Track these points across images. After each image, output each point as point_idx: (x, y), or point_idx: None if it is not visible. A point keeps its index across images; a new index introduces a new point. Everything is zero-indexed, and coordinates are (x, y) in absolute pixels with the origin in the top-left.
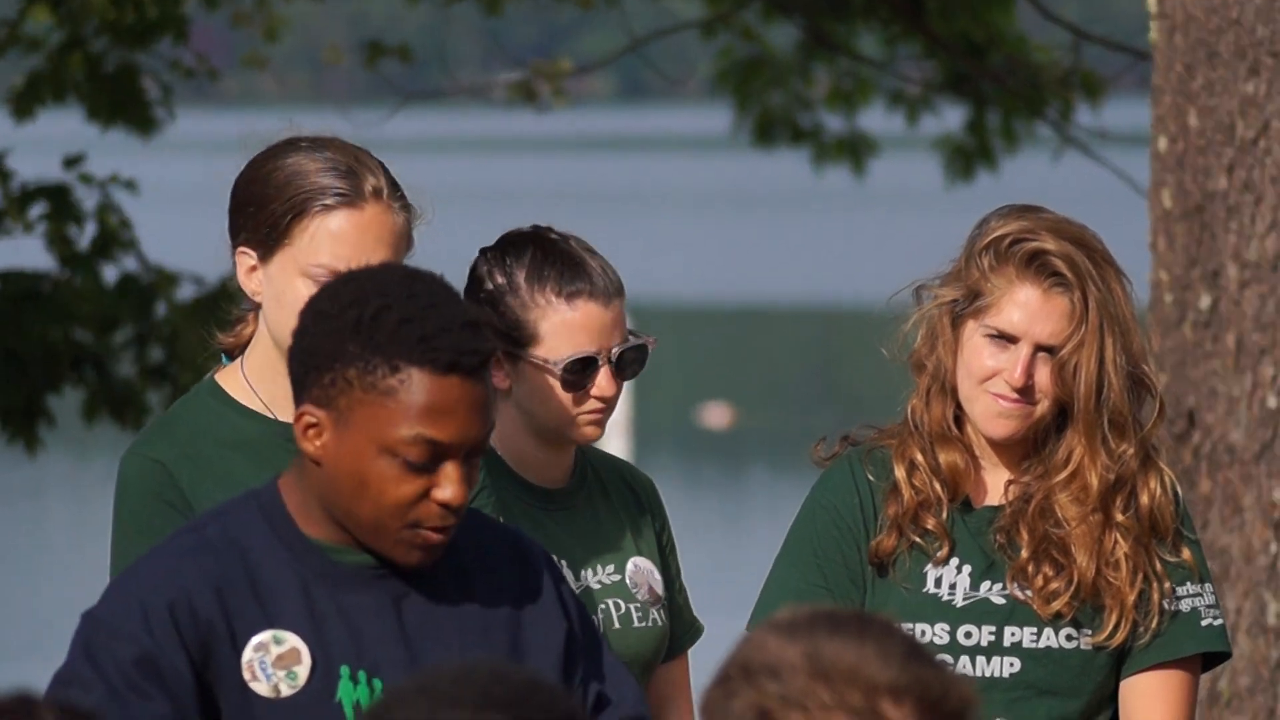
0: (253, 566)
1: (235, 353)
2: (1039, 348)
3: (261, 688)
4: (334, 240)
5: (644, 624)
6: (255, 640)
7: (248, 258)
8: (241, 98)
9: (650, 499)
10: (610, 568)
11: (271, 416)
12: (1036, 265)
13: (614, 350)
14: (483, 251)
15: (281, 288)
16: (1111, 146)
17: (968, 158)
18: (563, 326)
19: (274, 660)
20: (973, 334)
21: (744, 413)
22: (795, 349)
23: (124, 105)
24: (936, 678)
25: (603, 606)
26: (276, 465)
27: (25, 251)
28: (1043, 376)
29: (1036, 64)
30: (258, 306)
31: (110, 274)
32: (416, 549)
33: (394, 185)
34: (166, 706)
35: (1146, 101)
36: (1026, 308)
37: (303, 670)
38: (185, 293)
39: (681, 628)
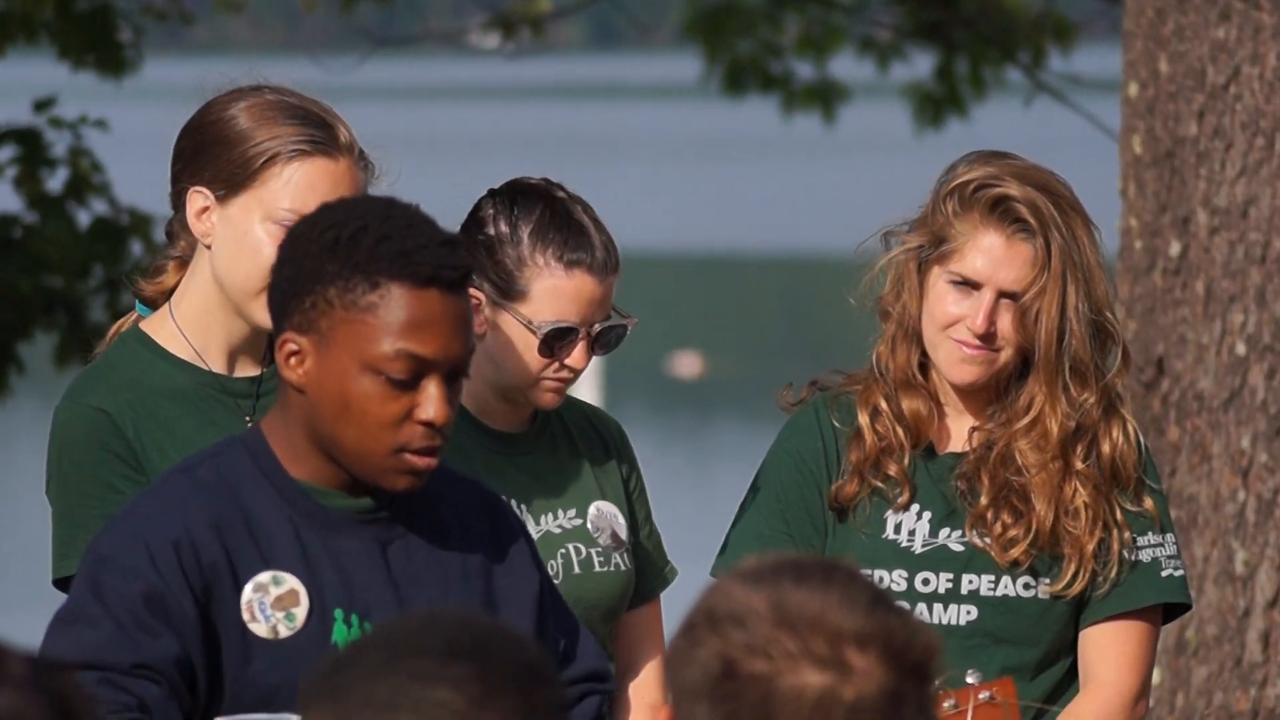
0: (246, 508)
1: (156, 302)
2: (1002, 294)
3: (260, 629)
4: (307, 188)
5: (605, 568)
6: (255, 580)
7: (201, 197)
8: (214, 44)
9: (617, 442)
10: (571, 512)
11: (203, 366)
12: (1000, 211)
13: (596, 326)
14: (490, 193)
15: (242, 230)
16: (1082, 92)
17: (937, 105)
18: (554, 291)
19: (273, 601)
20: (937, 280)
21: (714, 362)
22: (765, 297)
23: (95, 45)
24: (902, 626)
25: (562, 551)
26: (211, 416)
27: None
28: (1005, 323)
29: (1008, 10)
30: (184, 255)
31: (83, 219)
32: (403, 474)
33: (359, 146)
34: (174, 643)
35: (1117, 47)
36: (990, 254)
37: (301, 612)
38: (159, 235)
39: (651, 572)
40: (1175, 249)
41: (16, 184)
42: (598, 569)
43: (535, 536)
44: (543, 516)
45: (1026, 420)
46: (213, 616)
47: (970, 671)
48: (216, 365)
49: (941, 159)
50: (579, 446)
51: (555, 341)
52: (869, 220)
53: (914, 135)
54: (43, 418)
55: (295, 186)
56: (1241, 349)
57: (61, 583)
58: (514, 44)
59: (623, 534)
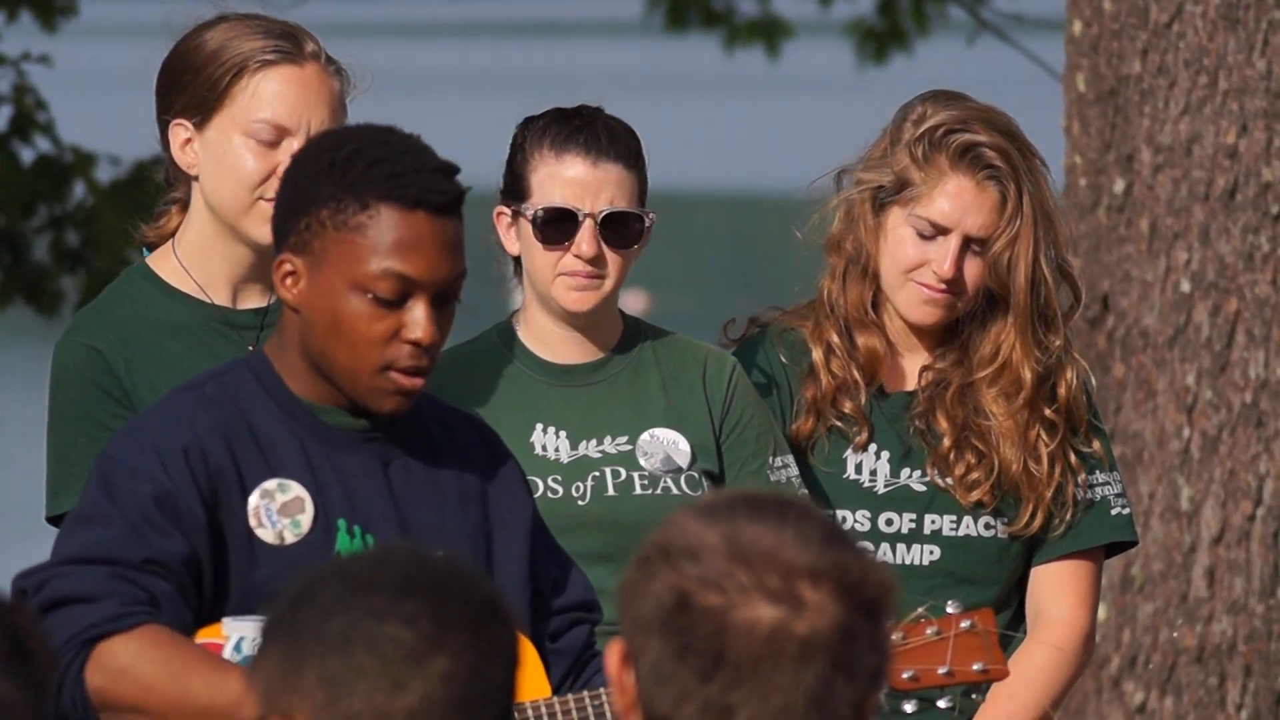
0: (252, 421)
1: (158, 246)
2: (967, 239)
3: (266, 534)
4: (275, 96)
5: (650, 491)
6: (262, 487)
7: (183, 129)
8: None
9: (713, 378)
10: (623, 439)
11: (206, 300)
12: (970, 157)
13: (600, 211)
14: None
15: (221, 149)
16: (1026, 31)
17: (880, 40)
18: (548, 178)
19: (279, 507)
20: (899, 223)
21: (659, 298)
22: (710, 234)
23: None
24: (855, 561)
25: (595, 474)
26: (212, 349)
27: None
28: (971, 268)
29: None
30: (184, 198)
31: (26, 156)
32: (390, 395)
33: (327, 53)
34: (183, 543)
35: None
36: (959, 199)
37: (306, 519)
38: (103, 174)
39: None
40: (1119, 186)
41: None
42: (639, 491)
43: (567, 461)
44: (584, 443)
45: (994, 368)
46: (220, 521)
47: (951, 601)
48: (220, 298)
49: (884, 97)
50: (660, 378)
51: (551, 226)
52: (813, 156)
53: (856, 72)
54: None
55: (263, 96)
56: (1186, 286)
57: (55, 520)
58: None
59: (680, 460)
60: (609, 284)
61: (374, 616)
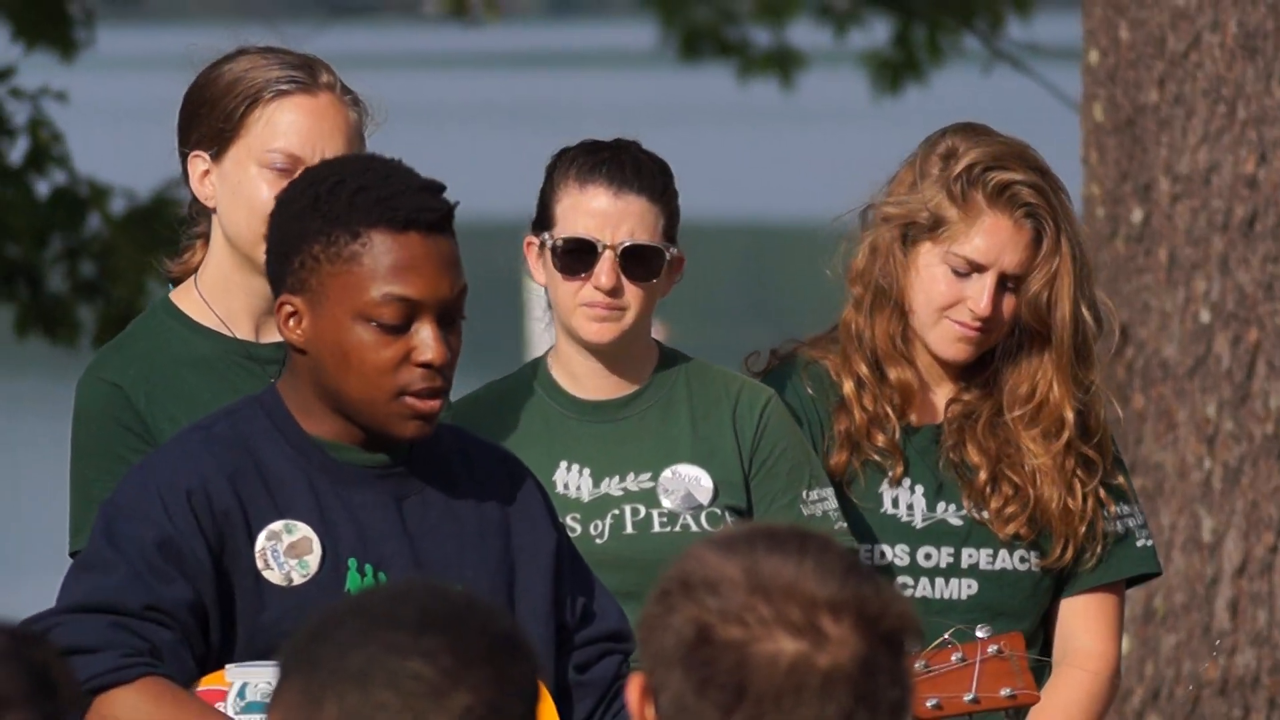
0: (261, 461)
1: (183, 280)
2: (1002, 276)
3: (273, 575)
4: (289, 126)
5: (668, 529)
6: (268, 528)
7: (200, 161)
8: (165, 13)
9: (745, 411)
10: (646, 475)
11: (228, 334)
12: (1008, 195)
13: (620, 243)
14: None
15: (237, 180)
16: (1041, 60)
17: (895, 71)
18: (571, 208)
19: (286, 549)
20: (932, 260)
21: (675, 329)
22: (725, 265)
23: (48, 25)
24: (875, 594)
25: (614, 512)
26: (234, 383)
27: None
28: (1005, 305)
29: None
30: (207, 233)
31: (42, 189)
32: (409, 419)
33: (344, 84)
34: (187, 589)
35: (1077, 15)
36: (995, 236)
37: (313, 559)
38: (118, 207)
39: None
40: (1138, 216)
41: None
42: (657, 529)
43: (588, 500)
44: (606, 480)
45: (1031, 406)
46: (226, 564)
47: (980, 626)
48: (242, 332)
49: (899, 127)
50: (691, 413)
51: (571, 256)
52: (828, 186)
53: (871, 102)
54: (5, 388)
55: (277, 125)
56: (1205, 316)
57: (77, 556)
58: (467, 19)
59: (702, 497)
60: (630, 316)
61: (393, 652)
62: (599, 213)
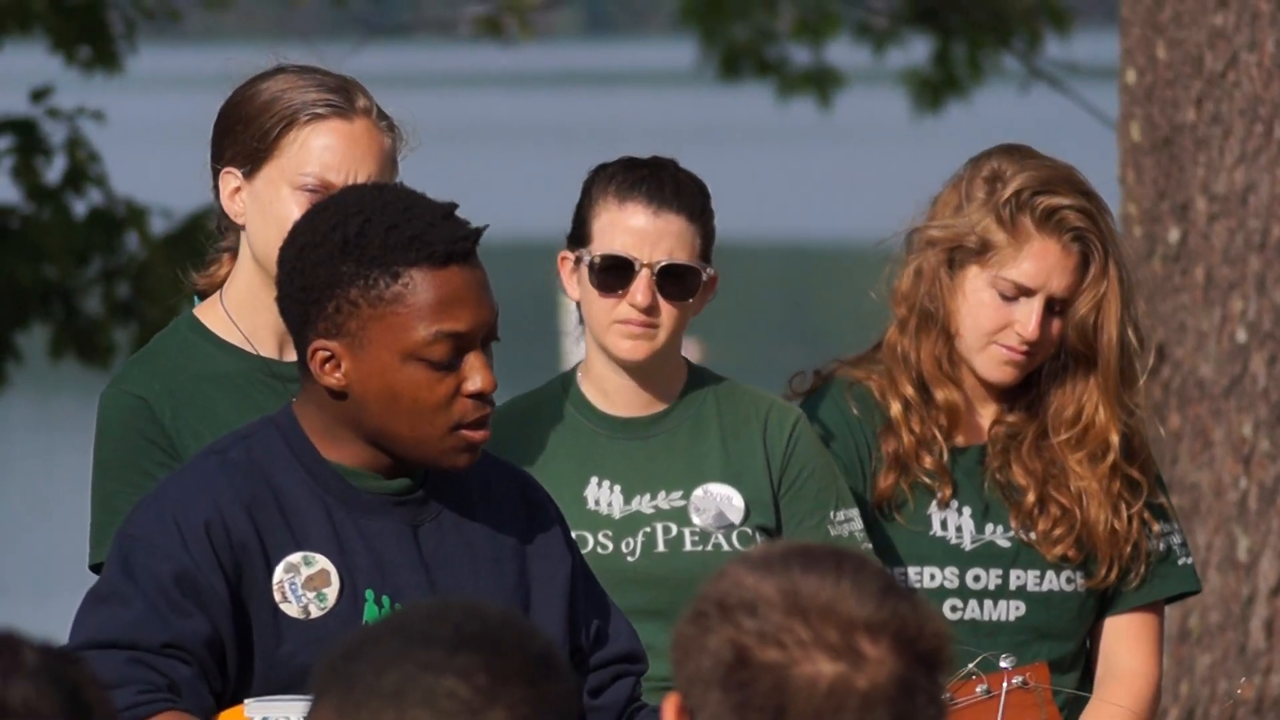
0: (278, 488)
1: (208, 294)
2: (1049, 300)
3: (291, 609)
4: (324, 150)
5: (700, 548)
6: (286, 561)
7: (232, 178)
8: (205, 33)
9: (774, 431)
10: (677, 494)
11: (252, 351)
12: (1056, 220)
13: (658, 262)
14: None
15: (268, 201)
16: (1079, 79)
17: (934, 90)
18: (609, 225)
19: (304, 581)
20: (980, 285)
21: (713, 348)
22: (764, 284)
23: (88, 39)
24: (913, 614)
25: (646, 529)
26: (256, 400)
27: None
28: (1052, 328)
29: None
30: (233, 247)
31: (79, 209)
32: (463, 451)
33: (380, 109)
34: (205, 624)
35: (1114, 34)
36: (1044, 260)
37: (331, 592)
38: (155, 227)
39: None
40: (1174, 236)
41: (14, 174)
42: (689, 548)
43: (619, 517)
44: (636, 497)
45: (1077, 429)
46: (244, 597)
47: (1004, 656)
48: (266, 349)
49: (938, 146)
50: (721, 431)
51: (608, 273)
52: (867, 206)
53: (912, 120)
54: (39, 410)
55: (311, 149)
56: (1242, 336)
57: (98, 569)
58: (503, 39)
59: (733, 516)
60: (663, 335)
61: (429, 670)
62: (637, 230)
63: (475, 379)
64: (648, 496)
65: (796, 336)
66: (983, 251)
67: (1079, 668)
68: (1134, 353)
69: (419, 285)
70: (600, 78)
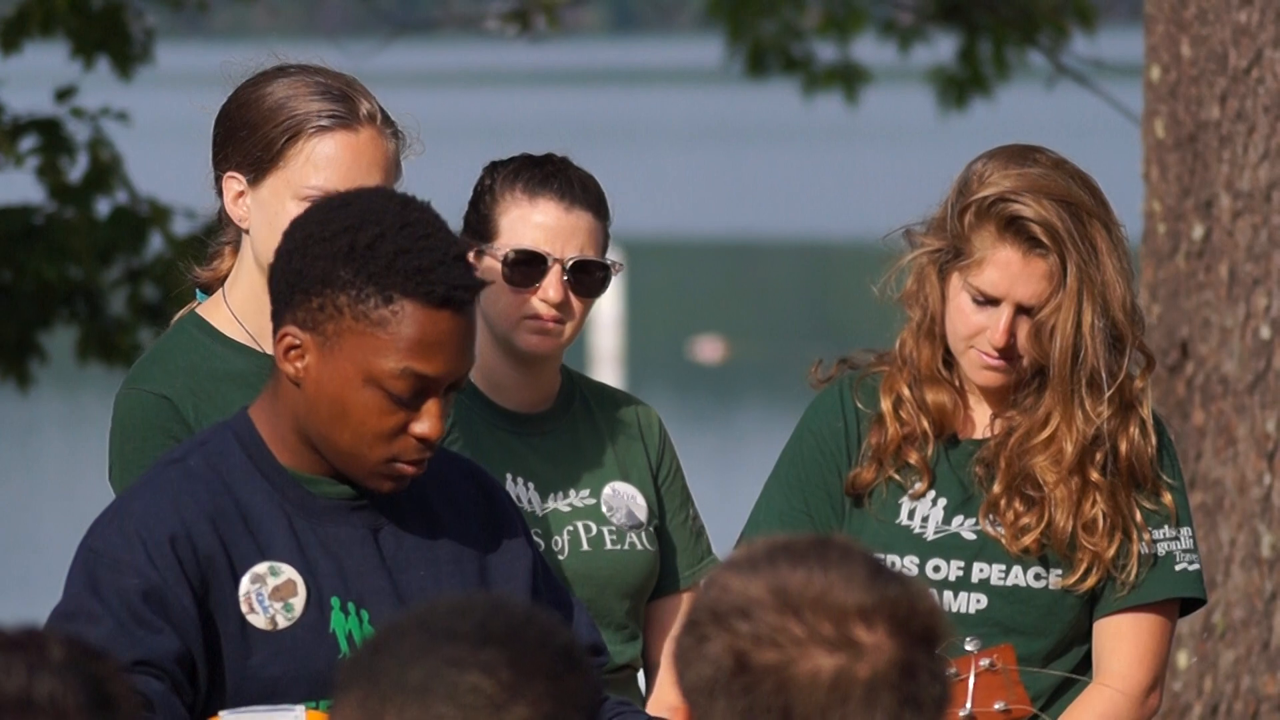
0: (240, 499)
1: (212, 287)
2: (1020, 308)
3: (259, 620)
4: (328, 163)
5: (618, 546)
6: (252, 571)
7: (236, 182)
8: (232, 30)
9: (646, 428)
10: (585, 492)
11: (259, 349)
12: (1015, 228)
13: (569, 258)
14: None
15: (274, 211)
16: (1105, 75)
17: (960, 87)
18: (519, 220)
19: (271, 592)
20: (957, 290)
21: (736, 346)
22: (787, 282)
23: (108, 43)
24: (903, 593)
25: (569, 528)
26: None
27: (15, 186)
28: (1024, 335)
29: None
30: (235, 240)
31: (103, 208)
32: (389, 479)
33: (384, 112)
34: (174, 639)
35: (1139, 31)
36: (1007, 269)
37: (299, 602)
38: (179, 227)
39: (683, 562)
40: (1198, 232)
41: (39, 174)
42: (609, 546)
43: (541, 515)
44: (551, 495)
45: (1044, 435)
46: (211, 609)
47: (969, 639)
48: (272, 347)
49: (964, 143)
50: (601, 429)
51: (519, 268)
52: (891, 204)
53: (938, 118)
54: (64, 409)
55: (317, 162)
56: (1266, 332)
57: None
58: (530, 34)
59: (641, 515)
60: (569, 330)
61: (453, 665)
62: (549, 227)
63: (425, 424)
64: (560, 495)
65: (821, 335)
66: (957, 257)
67: (1069, 663)
68: (1095, 361)
69: (407, 317)
70: (627, 76)
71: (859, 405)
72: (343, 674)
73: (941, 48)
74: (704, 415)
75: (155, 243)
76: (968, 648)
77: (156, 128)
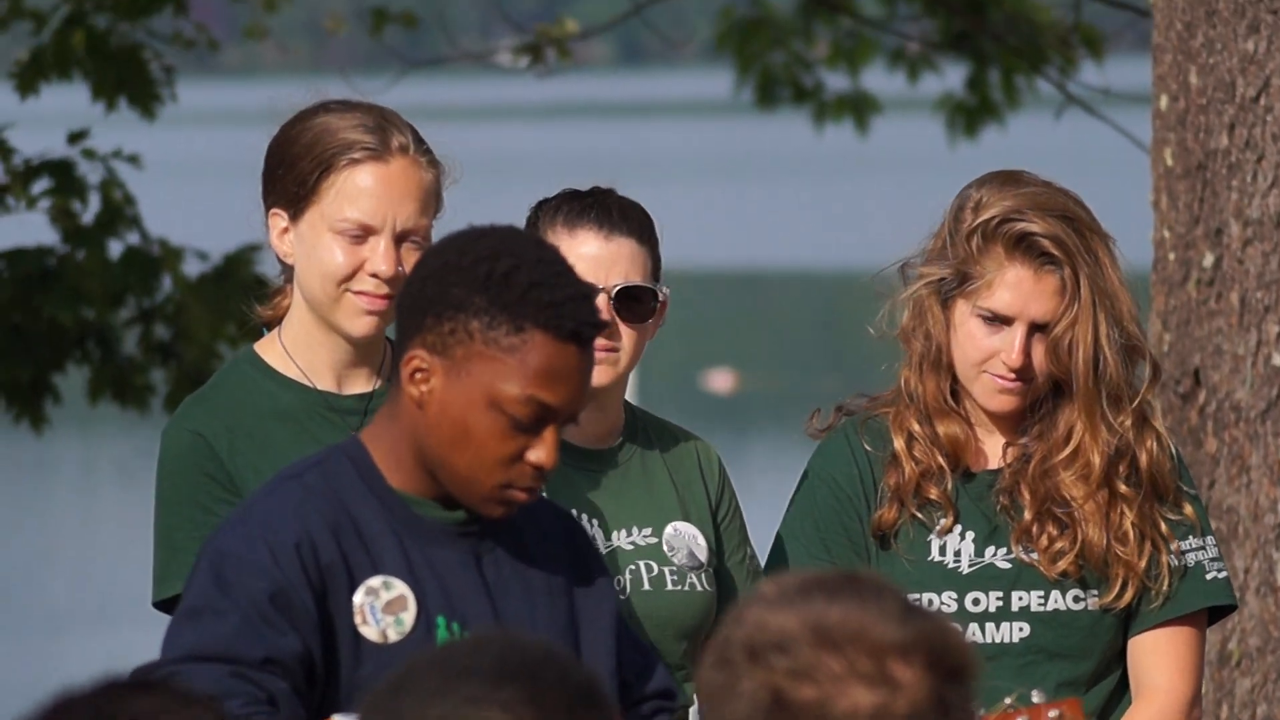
0: (354, 514)
1: (274, 325)
2: (1033, 326)
3: (370, 631)
4: (360, 194)
5: (679, 587)
6: (367, 584)
7: (280, 219)
8: (242, 68)
9: (707, 466)
10: (647, 530)
11: (310, 385)
12: (1025, 246)
13: (614, 285)
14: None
15: (312, 244)
16: (1114, 104)
17: (970, 116)
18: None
19: (383, 605)
20: (965, 316)
21: (748, 377)
22: (799, 313)
23: (128, 84)
24: (937, 630)
25: (631, 567)
26: (315, 434)
27: (28, 228)
28: (1039, 354)
29: (1036, 21)
30: (293, 278)
31: (114, 249)
32: (501, 504)
33: (421, 142)
34: (298, 641)
35: (1147, 60)
36: (1019, 288)
37: (409, 617)
38: (190, 268)
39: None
40: (1209, 260)
41: (52, 217)
42: (670, 587)
43: (605, 552)
44: (615, 533)
45: (1068, 451)
46: (329, 617)
47: (1035, 690)
48: (324, 383)
49: (975, 172)
50: (665, 466)
51: None
52: (902, 234)
53: (948, 146)
54: (78, 450)
55: (349, 194)
56: (1277, 359)
57: (160, 605)
58: (542, 67)
59: (701, 555)
60: (625, 359)
61: (472, 703)
62: (590, 257)
63: (542, 452)
64: (624, 533)
65: (833, 366)
66: (963, 283)
67: (1108, 686)
68: (1115, 372)
69: (535, 347)
70: (637, 108)
71: (867, 448)
72: (364, 712)
73: (950, 77)
74: (716, 446)
75: (167, 283)
76: (1034, 699)
77: (168, 167)
